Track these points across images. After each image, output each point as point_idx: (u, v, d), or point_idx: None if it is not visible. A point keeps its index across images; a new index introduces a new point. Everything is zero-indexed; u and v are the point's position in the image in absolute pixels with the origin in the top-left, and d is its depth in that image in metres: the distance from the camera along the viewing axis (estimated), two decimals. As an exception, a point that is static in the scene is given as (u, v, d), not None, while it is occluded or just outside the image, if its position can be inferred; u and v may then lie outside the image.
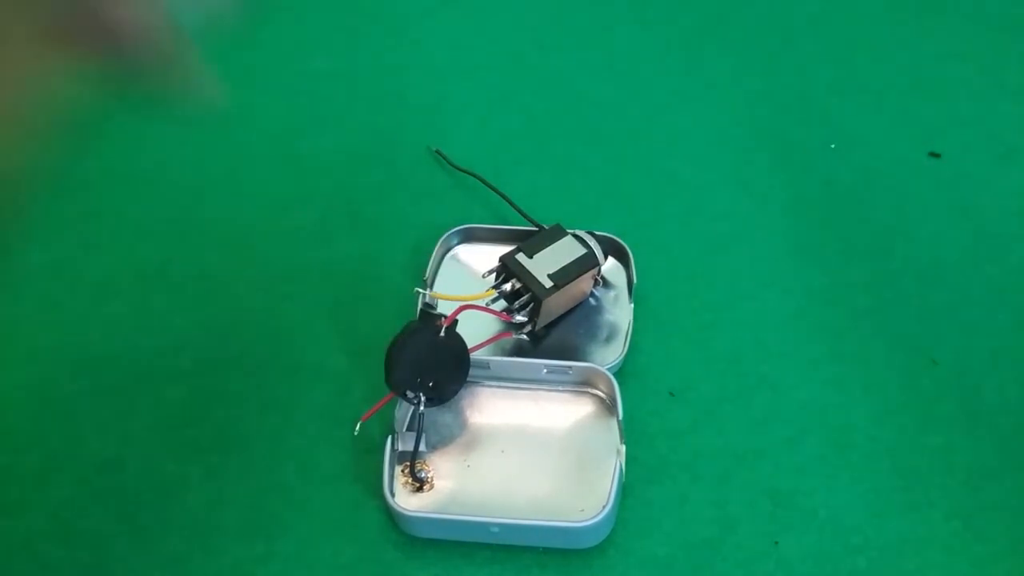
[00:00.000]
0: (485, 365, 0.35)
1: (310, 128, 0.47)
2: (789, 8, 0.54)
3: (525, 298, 0.35)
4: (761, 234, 0.42)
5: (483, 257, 0.39)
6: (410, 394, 0.32)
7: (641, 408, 0.35)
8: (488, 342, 0.36)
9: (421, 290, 0.36)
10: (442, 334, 0.32)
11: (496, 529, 0.30)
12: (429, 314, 0.33)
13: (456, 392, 0.34)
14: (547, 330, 0.37)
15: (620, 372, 0.36)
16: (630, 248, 0.39)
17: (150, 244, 0.41)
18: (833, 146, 0.46)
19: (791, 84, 0.50)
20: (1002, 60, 0.50)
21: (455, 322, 0.33)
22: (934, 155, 0.45)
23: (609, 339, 0.37)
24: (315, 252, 0.41)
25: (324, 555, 0.32)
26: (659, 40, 0.52)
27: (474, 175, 0.43)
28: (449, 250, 0.40)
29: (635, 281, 0.38)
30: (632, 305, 0.37)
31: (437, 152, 0.45)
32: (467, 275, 0.39)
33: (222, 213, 0.43)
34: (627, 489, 0.33)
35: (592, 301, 0.38)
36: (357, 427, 0.33)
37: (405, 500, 0.32)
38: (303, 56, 0.52)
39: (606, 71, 0.51)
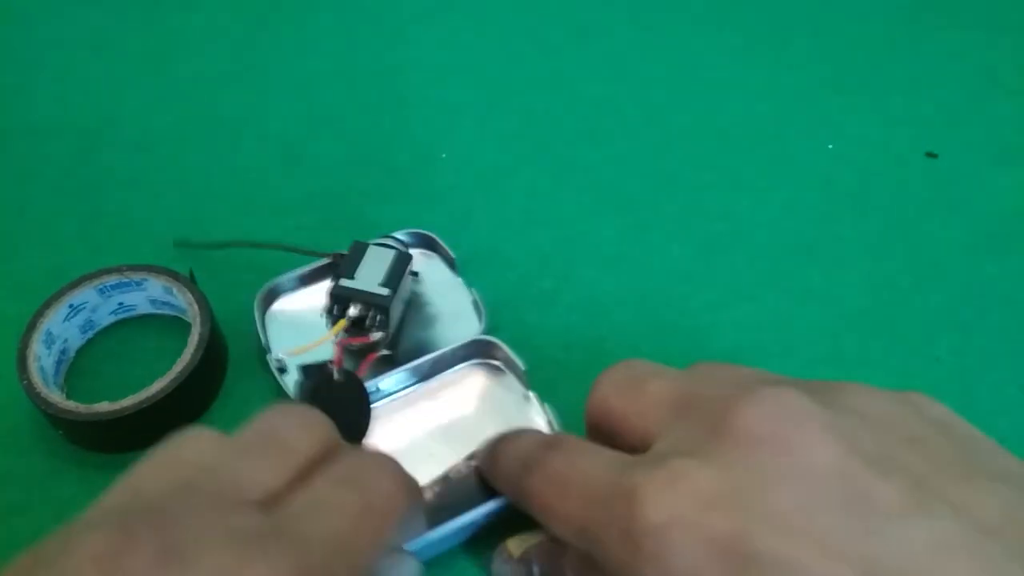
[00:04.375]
0: (375, 389, 0.35)
1: (309, 129, 0.47)
2: (787, 8, 0.54)
3: (371, 314, 0.35)
4: (760, 234, 0.42)
5: (303, 301, 0.38)
6: None
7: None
8: (363, 369, 0.35)
9: (274, 356, 0.35)
10: (337, 378, 0.33)
11: (482, 520, 0.31)
12: (316, 367, 0.33)
13: (367, 424, 0.34)
14: (398, 337, 0.37)
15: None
16: (440, 237, 0.39)
17: (150, 244, 0.42)
18: (831, 146, 0.46)
19: (789, 84, 0.50)
20: (999, 60, 0.51)
21: (343, 362, 0.33)
22: (931, 155, 0.46)
23: (458, 317, 0.38)
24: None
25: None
26: (658, 40, 0.53)
27: (240, 243, 0.40)
28: (266, 310, 0.38)
29: (453, 256, 0.39)
30: (460, 278, 0.39)
31: (177, 243, 0.41)
32: (301, 322, 0.38)
33: (222, 213, 0.43)
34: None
35: (417, 293, 0.39)
36: None
37: None
38: (303, 56, 0.52)
39: (606, 71, 0.51)
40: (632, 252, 0.41)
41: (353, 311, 0.35)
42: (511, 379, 0.36)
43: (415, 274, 0.39)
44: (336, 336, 0.35)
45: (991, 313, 0.39)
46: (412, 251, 0.38)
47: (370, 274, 0.36)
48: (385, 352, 0.36)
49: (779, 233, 0.42)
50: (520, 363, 0.34)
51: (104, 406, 0.33)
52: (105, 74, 0.51)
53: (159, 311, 0.39)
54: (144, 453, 0.23)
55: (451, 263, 0.39)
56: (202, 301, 0.36)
